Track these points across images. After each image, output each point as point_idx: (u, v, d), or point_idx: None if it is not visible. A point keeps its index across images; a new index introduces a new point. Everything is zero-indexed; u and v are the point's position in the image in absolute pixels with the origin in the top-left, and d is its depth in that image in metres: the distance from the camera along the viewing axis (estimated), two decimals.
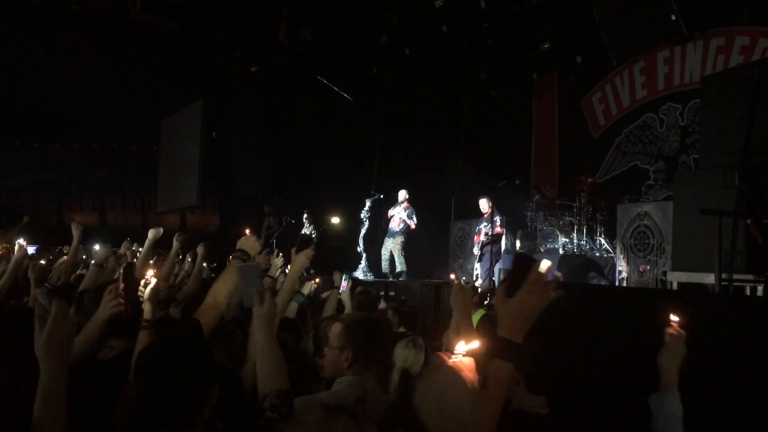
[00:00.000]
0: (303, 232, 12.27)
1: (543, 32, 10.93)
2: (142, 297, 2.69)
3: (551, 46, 11.05)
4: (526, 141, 13.21)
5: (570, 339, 3.37)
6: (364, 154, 13.59)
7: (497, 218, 9.75)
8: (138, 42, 12.85)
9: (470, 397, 1.25)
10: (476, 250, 10.04)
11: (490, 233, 9.70)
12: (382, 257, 10.83)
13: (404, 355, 3.22)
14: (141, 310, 2.61)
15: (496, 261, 9.73)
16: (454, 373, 1.28)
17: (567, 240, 9.98)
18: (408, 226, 10.54)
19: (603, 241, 9.82)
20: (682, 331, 2.17)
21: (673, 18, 8.33)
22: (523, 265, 1.64)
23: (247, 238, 2.92)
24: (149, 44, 12.92)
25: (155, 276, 2.80)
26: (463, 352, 1.29)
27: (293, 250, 3.33)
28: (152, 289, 2.62)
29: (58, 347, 1.70)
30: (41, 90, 13.45)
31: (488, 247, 9.69)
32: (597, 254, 9.74)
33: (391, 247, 10.62)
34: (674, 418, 2.01)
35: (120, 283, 2.66)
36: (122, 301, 2.59)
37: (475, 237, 10.19)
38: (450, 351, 1.31)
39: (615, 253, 9.07)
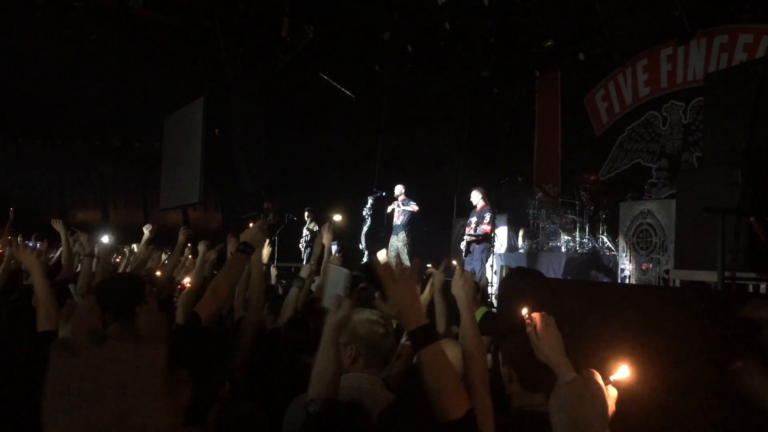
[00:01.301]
0: (306, 231, 12.29)
1: (546, 30, 10.90)
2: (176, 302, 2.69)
3: (554, 43, 11.03)
4: (528, 139, 13.18)
5: (568, 335, 3.36)
6: (366, 152, 13.59)
7: (487, 215, 9.69)
8: (140, 39, 12.86)
9: (602, 423, 1.30)
10: (462, 245, 10.00)
11: (478, 230, 9.69)
12: (390, 255, 10.86)
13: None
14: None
15: (487, 259, 9.76)
16: (600, 393, 1.33)
17: (569, 238, 9.97)
18: (408, 218, 10.55)
19: (605, 240, 9.80)
20: (534, 316, 1.92)
21: (677, 15, 8.30)
22: (371, 271, 1.69)
23: (251, 230, 2.90)
24: (152, 41, 12.93)
25: (192, 282, 2.81)
26: (614, 380, 1.40)
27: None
28: (187, 295, 2.61)
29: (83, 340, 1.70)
30: (44, 87, 13.47)
31: (475, 245, 9.69)
32: (600, 252, 9.73)
33: (396, 243, 10.67)
34: None
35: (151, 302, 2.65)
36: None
37: (465, 229, 10.14)
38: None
39: (617, 251, 9.06)
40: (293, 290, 3.96)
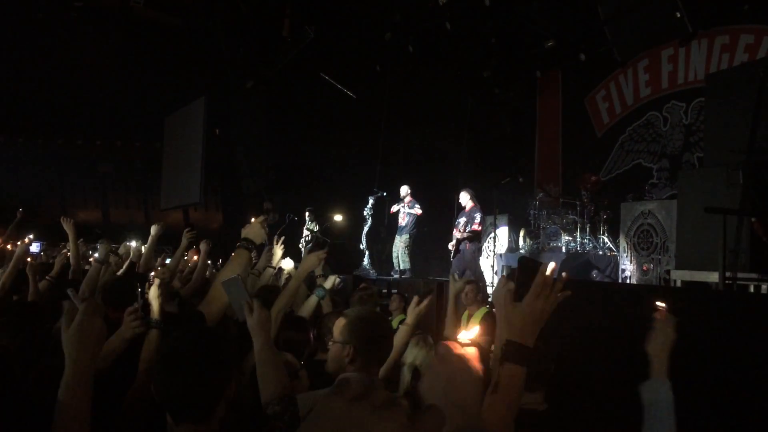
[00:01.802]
0: (306, 231, 12.28)
1: (547, 30, 10.90)
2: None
3: (555, 44, 11.02)
4: (529, 139, 13.18)
5: (567, 335, 3.36)
6: (367, 152, 13.59)
7: (477, 215, 9.77)
8: (141, 38, 12.86)
9: (477, 386, 1.25)
10: (451, 246, 10.04)
11: (468, 229, 9.75)
12: (393, 255, 10.90)
13: (414, 353, 3.23)
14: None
15: (479, 258, 9.83)
16: (461, 361, 1.26)
17: (570, 238, 9.97)
18: (413, 221, 10.59)
19: (606, 240, 9.80)
20: (671, 316, 2.13)
21: (678, 16, 8.29)
22: (528, 268, 1.64)
23: (252, 226, 2.88)
24: (153, 41, 12.94)
25: (157, 275, 2.80)
26: (467, 341, 1.29)
27: (276, 240, 3.31)
28: (157, 288, 2.62)
29: (85, 343, 1.71)
30: (44, 86, 13.49)
31: (466, 244, 9.74)
32: (600, 253, 9.72)
33: (399, 244, 10.70)
34: (665, 406, 1.96)
35: (138, 304, 2.64)
36: (143, 321, 2.59)
37: (453, 231, 10.19)
38: (452, 339, 1.31)
39: (618, 251, 9.06)
40: (312, 298, 3.97)
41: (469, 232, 9.75)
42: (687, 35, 8.94)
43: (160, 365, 1.77)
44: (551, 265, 1.61)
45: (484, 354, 1.37)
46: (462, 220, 9.95)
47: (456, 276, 4.09)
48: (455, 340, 1.28)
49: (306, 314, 3.83)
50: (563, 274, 1.63)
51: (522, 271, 1.67)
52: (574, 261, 9.43)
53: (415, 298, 3.13)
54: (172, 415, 1.71)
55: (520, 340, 1.58)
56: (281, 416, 1.99)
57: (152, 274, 2.81)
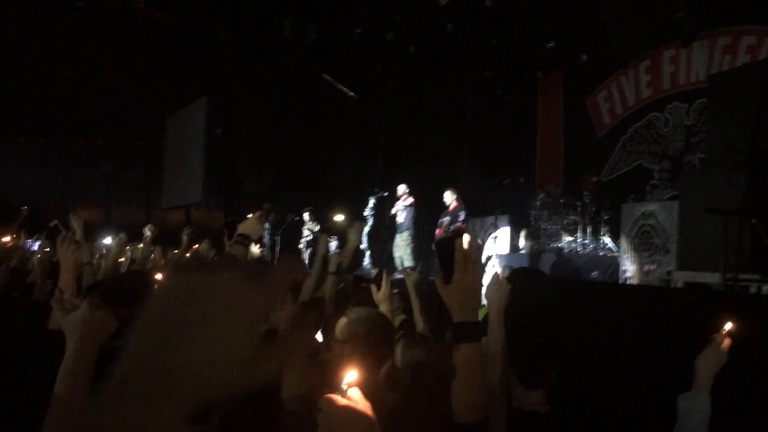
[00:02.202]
0: (307, 231, 12.28)
1: (548, 31, 10.90)
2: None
3: (556, 44, 11.03)
4: (530, 140, 13.18)
5: (568, 335, 3.37)
6: (368, 152, 13.59)
7: (461, 213, 9.85)
8: (143, 38, 12.86)
9: (373, 428, 1.13)
10: (434, 246, 10.06)
11: (451, 228, 9.80)
12: (395, 255, 10.90)
13: (405, 352, 3.22)
14: None
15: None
16: (347, 414, 1.14)
17: (571, 239, 9.97)
18: (411, 216, 10.57)
19: (607, 241, 9.80)
20: (728, 339, 2.16)
21: (680, 16, 8.30)
22: (446, 248, 1.67)
23: (249, 222, 2.89)
24: (154, 40, 12.93)
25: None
26: (346, 386, 1.16)
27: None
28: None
29: (89, 333, 1.67)
30: (46, 86, 13.48)
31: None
32: (601, 253, 9.72)
33: (400, 243, 10.70)
34: (701, 418, 2.01)
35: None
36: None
37: (436, 231, 10.23)
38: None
39: (619, 252, 9.05)
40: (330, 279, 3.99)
41: (453, 230, 9.82)
42: (689, 36, 8.94)
43: None
44: (466, 238, 1.64)
45: (370, 382, 1.32)
46: (446, 219, 10.03)
47: (408, 270, 4.09)
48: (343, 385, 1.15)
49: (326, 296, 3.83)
50: (478, 240, 1.66)
51: (441, 253, 1.70)
52: (574, 262, 9.43)
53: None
54: None
55: (464, 318, 1.60)
56: (300, 416, 1.98)
57: (159, 276, 2.81)
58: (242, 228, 2.86)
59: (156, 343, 0.63)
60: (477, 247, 1.62)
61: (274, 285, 0.69)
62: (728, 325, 2.16)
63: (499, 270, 9.70)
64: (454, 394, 1.62)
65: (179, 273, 0.68)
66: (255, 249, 4.88)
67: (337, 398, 1.14)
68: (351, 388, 1.16)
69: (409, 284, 3.72)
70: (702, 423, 1.99)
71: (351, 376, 1.19)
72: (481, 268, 1.62)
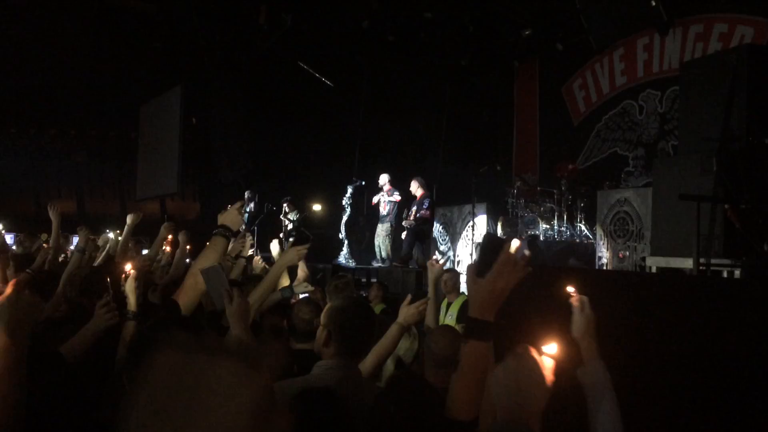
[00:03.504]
0: (287, 221, 12.24)
1: (524, 19, 10.93)
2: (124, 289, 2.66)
3: (532, 33, 11.07)
4: (507, 128, 13.24)
5: (547, 322, 3.40)
6: (345, 141, 13.55)
7: (426, 201, 9.99)
8: (116, 26, 12.65)
9: (542, 393, 1.36)
10: (404, 236, 10.22)
11: (417, 216, 9.96)
12: (375, 244, 10.92)
13: (398, 343, 3.24)
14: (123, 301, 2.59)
15: (416, 241, 10.10)
16: (535, 365, 1.37)
17: (548, 226, 10.06)
18: (395, 209, 10.62)
19: (583, 228, 9.91)
20: (583, 297, 2.10)
21: (654, 4, 8.37)
22: (493, 245, 1.67)
23: (229, 213, 2.86)
24: (127, 28, 12.73)
25: (134, 267, 2.78)
26: (548, 352, 1.43)
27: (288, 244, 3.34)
28: (133, 281, 2.59)
29: (19, 317, 1.65)
30: (16, 75, 13.22)
31: (412, 228, 10.02)
32: (577, 240, 9.83)
33: (381, 232, 10.74)
34: (603, 387, 1.97)
35: (110, 293, 2.61)
36: (116, 313, 2.57)
37: (404, 219, 10.36)
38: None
39: (595, 239, 9.15)
40: (276, 295, 3.97)
41: (418, 217, 9.93)
42: (663, 24, 9.02)
43: (135, 361, 1.73)
44: (515, 243, 1.63)
45: (560, 371, 1.44)
46: (414, 208, 10.14)
47: (434, 261, 4.08)
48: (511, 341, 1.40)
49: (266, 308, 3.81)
50: (527, 252, 1.66)
51: (486, 248, 1.70)
52: (551, 249, 9.52)
53: (408, 297, 3.10)
54: None
55: (480, 316, 1.61)
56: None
57: (129, 266, 2.77)
58: (222, 219, 2.83)
59: (161, 426, 0.67)
60: (521, 256, 1.62)
61: (269, 372, 0.76)
62: (570, 289, 2.12)
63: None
64: (454, 388, 1.63)
65: (182, 354, 0.71)
66: (248, 240, 4.91)
67: (534, 350, 1.40)
68: (547, 354, 1.44)
69: (431, 276, 3.72)
70: (608, 387, 1.95)
71: (552, 347, 1.48)
72: (517, 278, 1.61)
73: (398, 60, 12.48)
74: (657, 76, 10.37)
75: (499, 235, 10.20)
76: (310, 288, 4.06)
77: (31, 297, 1.70)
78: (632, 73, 10.81)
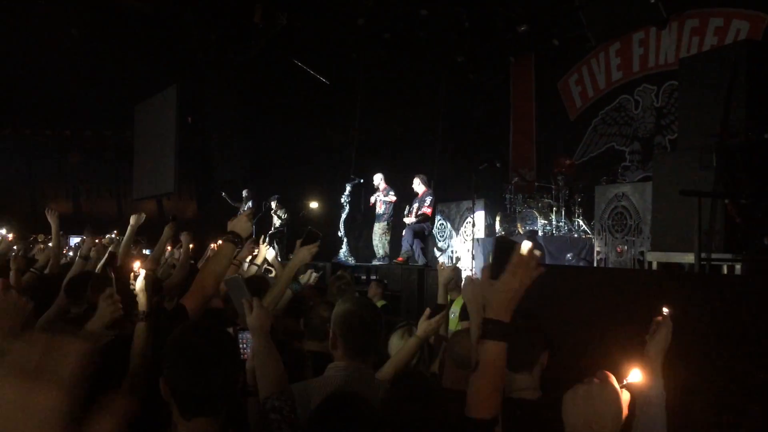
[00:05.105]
0: (277, 219, 12.25)
1: (520, 14, 10.93)
2: (134, 289, 2.65)
3: (528, 28, 11.07)
4: (504, 124, 13.25)
5: (562, 322, 3.42)
6: (342, 138, 13.55)
7: (428, 198, 10.04)
8: (111, 25, 12.61)
9: (615, 423, 1.40)
10: (405, 232, 10.28)
11: (418, 213, 10.02)
12: (373, 243, 10.95)
13: (399, 344, 3.25)
14: (132, 301, 2.59)
15: (416, 239, 10.16)
16: (617, 397, 1.40)
17: (546, 222, 10.08)
18: (390, 209, 10.65)
19: (581, 223, 9.93)
20: (670, 322, 2.16)
21: (653, 1, 8.40)
22: (504, 247, 1.70)
23: (239, 220, 2.85)
24: (122, 28, 12.69)
25: (143, 266, 2.76)
26: (628, 383, 1.48)
27: (298, 242, 3.34)
28: (143, 280, 2.59)
29: None
30: (12, 76, 13.18)
31: (412, 225, 10.10)
32: (575, 235, 9.85)
33: (377, 231, 10.78)
34: (658, 404, 2.02)
35: (113, 286, 2.61)
36: (120, 306, 2.57)
37: (405, 216, 10.40)
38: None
39: (593, 234, 9.18)
40: (287, 293, 3.98)
41: (420, 215, 9.95)
42: (661, 21, 9.05)
43: (182, 361, 1.74)
44: (527, 244, 1.66)
45: (633, 403, 1.51)
46: (416, 205, 10.19)
47: (444, 264, 4.12)
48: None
49: (281, 307, 3.84)
50: (537, 252, 1.68)
51: (498, 251, 1.73)
52: (549, 244, 9.54)
53: (427, 311, 3.14)
54: (188, 411, 1.70)
55: (497, 317, 1.65)
56: (280, 410, 2.02)
57: (137, 264, 2.75)
58: (232, 225, 2.83)
59: None
60: (534, 257, 1.66)
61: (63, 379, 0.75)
62: (666, 310, 2.16)
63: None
64: (473, 387, 1.66)
65: None
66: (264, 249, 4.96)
67: (614, 379, 1.43)
68: (628, 384, 1.48)
69: (441, 279, 3.75)
70: (661, 408, 2.01)
71: (635, 376, 1.52)
72: (530, 278, 1.65)
73: (394, 57, 12.47)
74: (653, 70, 10.39)
75: (501, 233, 10.25)
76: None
77: (17, 297, 1.66)
78: (628, 67, 10.83)
